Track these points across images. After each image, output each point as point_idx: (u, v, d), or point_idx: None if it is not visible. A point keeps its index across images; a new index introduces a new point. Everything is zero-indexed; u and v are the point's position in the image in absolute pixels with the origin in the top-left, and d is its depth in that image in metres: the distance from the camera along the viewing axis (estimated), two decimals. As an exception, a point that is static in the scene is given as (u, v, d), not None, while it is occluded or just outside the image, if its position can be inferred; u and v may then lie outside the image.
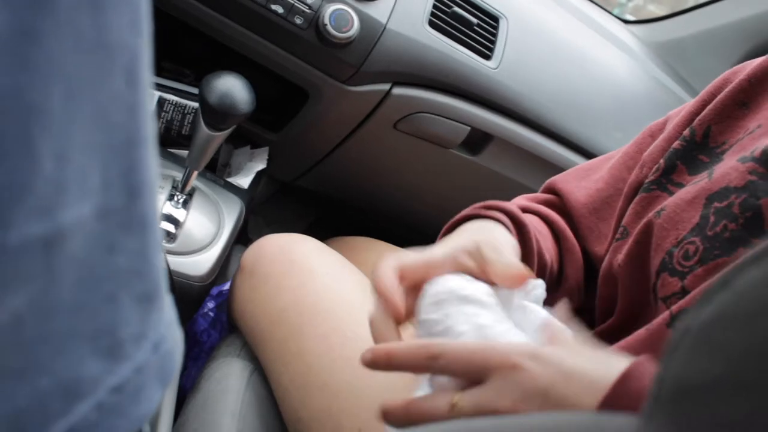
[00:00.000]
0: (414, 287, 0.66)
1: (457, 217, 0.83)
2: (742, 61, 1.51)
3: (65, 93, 0.23)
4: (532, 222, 0.85)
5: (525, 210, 0.90)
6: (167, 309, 0.34)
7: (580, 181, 0.94)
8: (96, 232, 0.27)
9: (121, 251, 0.28)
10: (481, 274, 0.65)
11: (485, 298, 0.62)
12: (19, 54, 0.21)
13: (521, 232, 0.80)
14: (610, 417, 0.26)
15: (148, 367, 0.31)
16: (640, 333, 0.68)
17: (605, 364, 0.52)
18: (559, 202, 0.94)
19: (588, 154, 1.36)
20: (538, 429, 0.27)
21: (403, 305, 0.64)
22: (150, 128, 0.29)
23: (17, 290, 0.24)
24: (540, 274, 0.83)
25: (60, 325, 0.27)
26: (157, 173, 0.30)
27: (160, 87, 1.20)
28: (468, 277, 0.64)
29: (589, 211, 0.90)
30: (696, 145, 0.79)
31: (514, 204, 0.91)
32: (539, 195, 0.96)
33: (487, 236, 0.73)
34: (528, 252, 0.80)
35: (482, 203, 0.83)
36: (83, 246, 0.26)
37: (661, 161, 0.80)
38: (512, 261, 0.65)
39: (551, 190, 0.95)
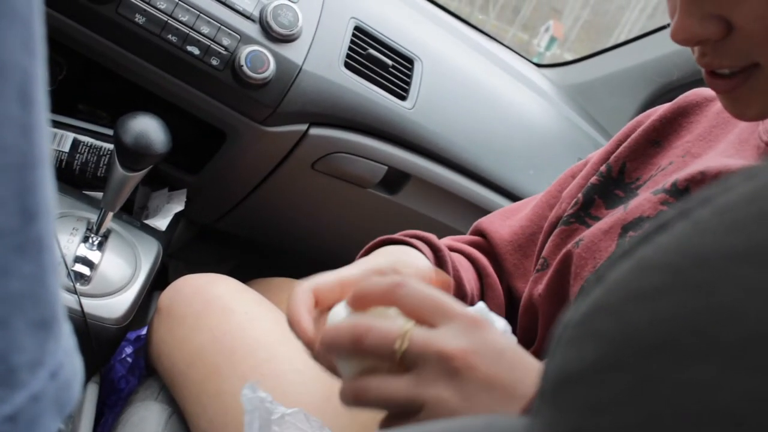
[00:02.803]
0: (329, 309, 0.63)
1: (375, 241, 0.84)
2: (648, 101, 1.58)
3: None
4: (455, 258, 0.88)
5: (450, 249, 0.92)
6: (66, 336, 0.33)
7: (505, 220, 0.97)
8: None
9: (14, 275, 0.28)
10: None
11: None
12: None
13: (437, 256, 0.82)
14: (502, 418, 0.27)
15: (44, 395, 0.31)
16: None
17: None
18: (484, 243, 0.96)
19: (503, 192, 1.39)
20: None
21: (313, 333, 0.61)
22: (46, 151, 0.29)
23: None
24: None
25: None
26: (53, 197, 0.30)
27: (74, 128, 1.18)
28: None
29: (513, 248, 0.92)
30: (612, 180, 0.83)
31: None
32: (465, 237, 0.98)
33: (403, 258, 0.74)
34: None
35: (402, 232, 0.85)
36: None
37: (580, 196, 0.84)
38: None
39: (477, 231, 0.98)
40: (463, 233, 1.40)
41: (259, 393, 0.68)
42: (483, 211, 1.38)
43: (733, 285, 0.19)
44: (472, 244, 0.96)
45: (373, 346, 0.53)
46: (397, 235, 0.83)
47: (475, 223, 0.99)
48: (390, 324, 0.53)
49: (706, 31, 0.57)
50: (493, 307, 0.90)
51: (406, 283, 0.54)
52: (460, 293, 0.84)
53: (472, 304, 0.87)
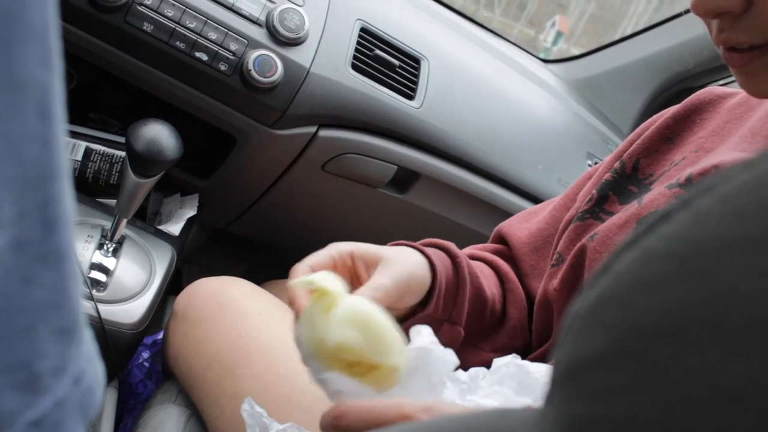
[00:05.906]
0: None
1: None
2: (655, 94, 1.58)
3: None
4: (477, 265, 0.88)
5: (472, 257, 0.94)
6: (87, 343, 0.34)
7: (523, 223, 0.98)
8: (11, 264, 0.27)
9: (37, 283, 0.29)
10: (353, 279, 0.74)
11: None
12: None
13: (454, 262, 0.83)
14: (515, 409, 0.27)
15: (68, 401, 0.31)
16: None
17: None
18: (505, 249, 0.97)
19: (512, 188, 1.40)
20: (445, 428, 0.28)
21: None
22: (65, 163, 0.30)
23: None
24: (480, 309, 0.86)
25: None
26: (73, 207, 0.31)
27: (86, 137, 1.19)
28: None
29: (530, 249, 0.93)
30: (626, 176, 0.84)
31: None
32: (488, 244, 0.99)
33: (395, 254, 0.76)
34: (461, 281, 0.82)
35: (423, 240, 0.86)
36: None
37: (594, 192, 0.84)
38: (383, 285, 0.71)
39: (498, 236, 0.99)
40: (473, 231, 1.42)
41: (257, 408, 0.70)
42: (492, 207, 1.38)
43: (735, 271, 0.19)
44: (493, 251, 0.97)
45: None
46: (415, 243, 0.84)
47: (496, 228, 1.00)
48: None
49: (727, 3, 0.58)
50: (514, 310, 0.91)
51: (344, 415, 0.57)
52: (480, 297, 0.85)
53: (494, 310, 0.88)
